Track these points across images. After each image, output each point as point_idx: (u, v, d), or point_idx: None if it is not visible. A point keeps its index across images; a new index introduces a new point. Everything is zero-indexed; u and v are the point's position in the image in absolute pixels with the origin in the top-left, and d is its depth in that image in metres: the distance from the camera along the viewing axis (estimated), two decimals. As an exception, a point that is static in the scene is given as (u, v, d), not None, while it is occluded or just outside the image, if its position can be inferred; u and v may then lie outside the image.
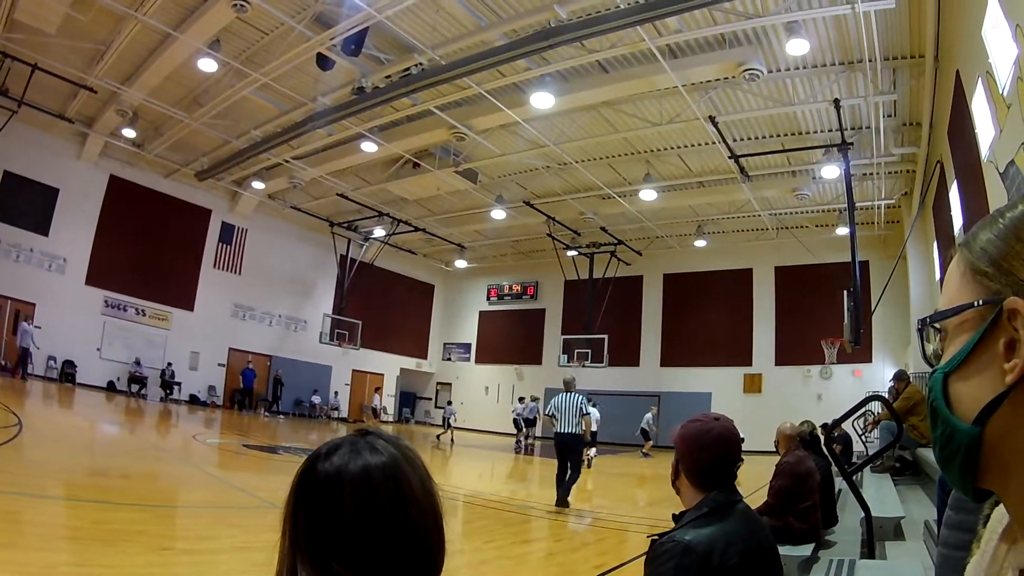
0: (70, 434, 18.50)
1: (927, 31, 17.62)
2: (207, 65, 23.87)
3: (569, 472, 15.57)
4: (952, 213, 17.56)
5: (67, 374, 32.44)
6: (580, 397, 16.09)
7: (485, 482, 14.21)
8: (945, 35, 16.94)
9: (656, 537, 3.06)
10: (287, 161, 32.02)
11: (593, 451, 27.07)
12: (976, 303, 1.07)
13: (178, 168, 35.08)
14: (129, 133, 30.88)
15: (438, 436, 34.85)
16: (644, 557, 3.09)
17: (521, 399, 37.65)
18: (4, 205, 30.58)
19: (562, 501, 15.17)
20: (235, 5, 19.36)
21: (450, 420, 36.20)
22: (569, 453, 15.85)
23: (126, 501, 10.39)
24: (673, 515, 3.34)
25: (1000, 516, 1.13)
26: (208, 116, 28.00)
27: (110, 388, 34.19)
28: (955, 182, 16.97)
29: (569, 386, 16.29)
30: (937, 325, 1.16)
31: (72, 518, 9.01)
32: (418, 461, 1.64)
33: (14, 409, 18.95)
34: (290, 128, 27.37)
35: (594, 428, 27.27)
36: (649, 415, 34.33)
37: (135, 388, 34.49)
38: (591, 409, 27.69)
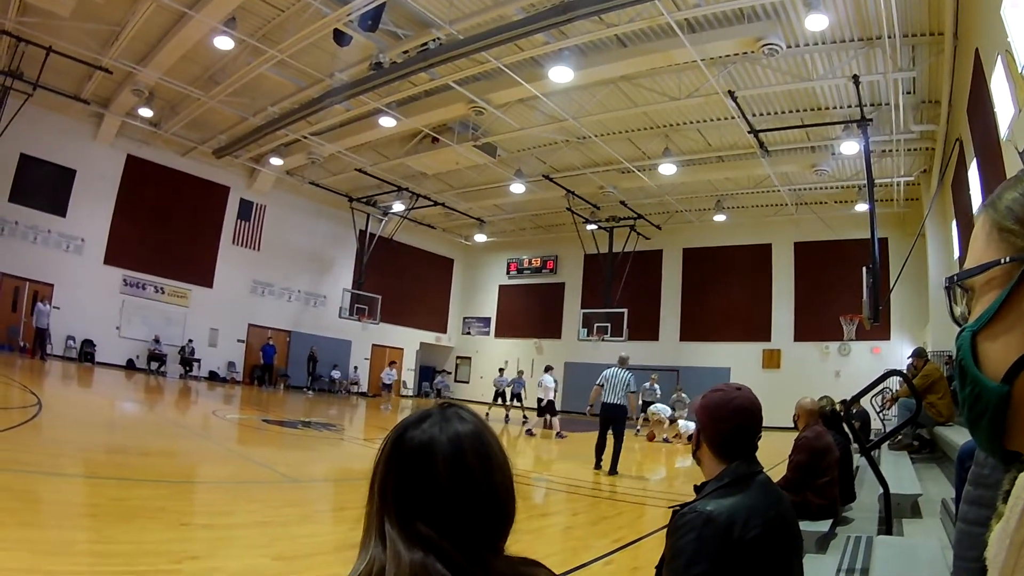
0: (89, 413, 18.53)
1: (946, 8, 17.54)
2: (223, 43, 23.86)
3: (613, 442, 16.92)
4: (971, 192, 17.48)
5: (86, 353, 32.63)
6: (629, 374, 17.54)
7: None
8: (964, 12, 16.83)
9: (678, 508, 3.06)
10: (305, 137, 32.04)
11: (556, 421, 27.57)
12: (1003, 260, 1.06)
13: (195, 146, 35.16)
14: (146, 112, 30.97)
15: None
16: (663, 530, 3.09)
17: (501, 370, 36.94)
18: (21, 187, 30.74)
19: (612, 470, 16.46)
20: (251, -18, 19.35)
21: (441, 390, 36.04)
22: (614, 423, 17.32)
23: (145, 478, 10.41)
24: (695, 486, 3.33)
25: None
26: (225, 94, 28.01)
27: (129, 366, 34.35)
28: (974, 160, 16.87)
29: (622, 363, 17.85)
30: (964, 284, 1.15)
31: (91, 495, 9.03)
32: (493, 432, 1.75)
33: (33, 389, 19.09)
34: (307, 104, 27.41)
35: (551, 397, 27.92)
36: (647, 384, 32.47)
37: (154, 366, 34.71)
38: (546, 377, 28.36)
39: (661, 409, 30.05)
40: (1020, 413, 1.02)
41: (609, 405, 17.30)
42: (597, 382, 17.55)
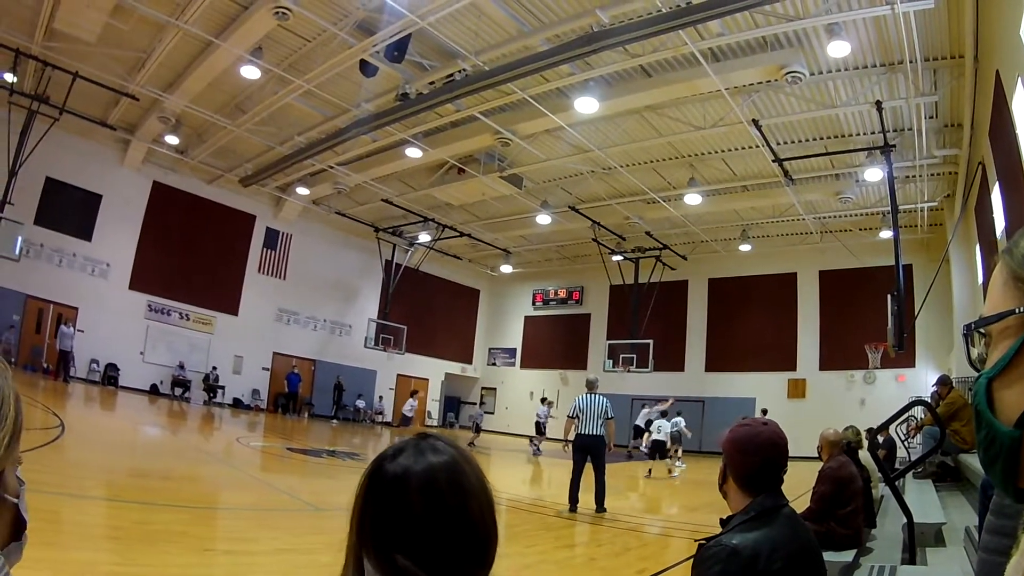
0: (112, 436, 18.67)
1: (966, 31, 17.52)
2: (250, 72, 24.02)
3: (596, 476, 15.31)
4: (994, 215, 17.41)
5: (110, 377, 32.72)
6: (605, 400, 15.83)
7: (528, 486, 14.17)
8: (984, 35, 16.83)
9: (703, 541, 3.07)
10: (331, 167, 32.22)
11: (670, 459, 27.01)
12: (1018, 310, 1.08)
13: (221, 174, 35.35)
14: (172, 140, 31.26)
15: (470, 442, 34.20)
16: (686, 562, 3.11)
17: (543, 400, 37.32)
18: (47, 211, 30.87)
19: (599, 507, 14.99)
20: (277, 12, 19.46)
21: (479, 423, 36.06)
22: (593, 455, 15.54)
23: (168, 502, 10.45)
24: (720, 519, 3.35)
25: None
26: (251, 123, 28.13)
27: (153, 391, 34.43)
28: (997, 184, 16.83)
29: (592, 387, 16.17)
30: (982, 330, 1.17)
31: (113, 518, 9.07)
32: (474, 461, 1.74)
33: (56, 411, 19.07)
34: (334, 134, 27.50)
35: (662, 438, 27.28)
36: (646, 410, 32.96)
37: (178, 391, 34.74)
38: (663, 422, 27.85)
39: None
40: None
41: (587, 436, 15.55)
42: (569, 414, 16.19)
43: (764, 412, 32.21)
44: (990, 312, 1.14)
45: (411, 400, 32.26)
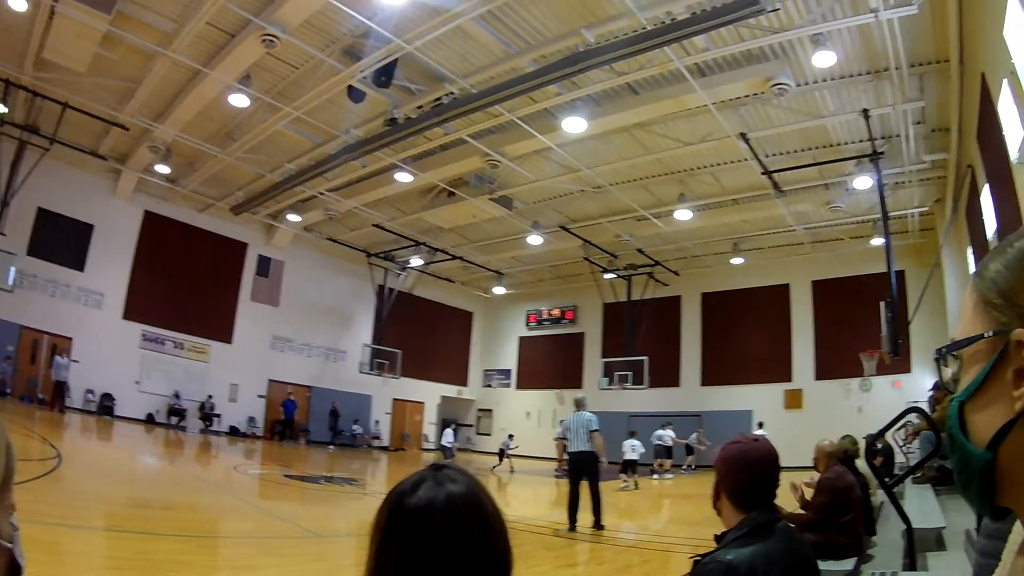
0: (109, 465, 18.61)
1: (950, 35, 17.57)
2: (239, 100, 24.06)
3: (591, 492, 15.17)
4: (984, 217, 17.49)
5: (105, 407, 32.61)
6: (589, 415, 15.69)
7: (529, 507, 14.07)
8: (968, 38, 16.89)
9: (699, 558, 3.10)
10: (322, 193, 32.24)
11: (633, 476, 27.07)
12: (986, 334, 1.11)
13: (213, 203, 35.38)
14: (163, 169, 31.26)
15: (492, 467, 34.29)
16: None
17: (562, 421, 37.30)
18: (39, 242, 30.91)
19: (596, 524, 14.90)
20: (265, 40, 19.51)
21: (506, 451, 36.22)
22: (585, 472, 15.44)
23: (168, 532, 10.44)
24: (715, 536, 3.36)
25: (1018, 532, 1.17)
26: (241, 151, 28.20)
27: (149, 420, 34.29)
28: (986, 186, 16.89)
29: (580, 406, 16.14)
30: (954, 353, 1.20)
31: (114, 548, 9.10)
32: (487, 489, 1.73)
33: (52, 441, 19.07)
34: (324, 160, 27.49)
35: (634, 456, 27.61)
36: (661, 431, 34.63)
37: (174, 420, 34.68)
38: (635, 441, 28.18)
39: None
40: (1006, 476, 1.08)
41: (576, 454, 15.57)
42: (557, 435, 16.78)
43: (760, 425, 32.36)
44: (961, 336, 1.17)
45: (448, 431, 32.40)
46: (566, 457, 16.36)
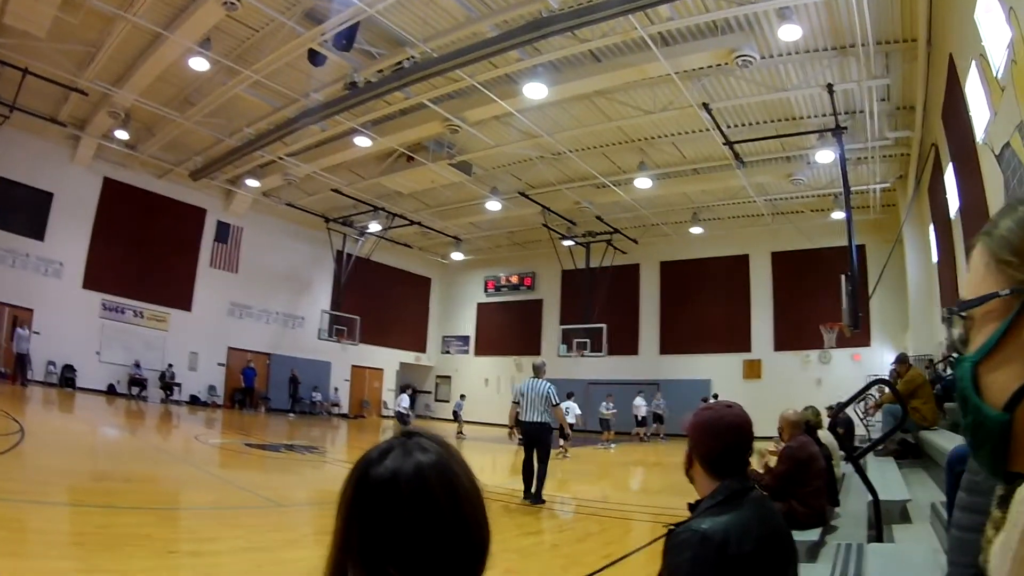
0: (72, 439, 18.42)
1: (919, 15, 17.68)
2: (198, 64, 23.80)
3: (536, 465, 14.34)
4: (948, 196, 17.62)
5: (67, 378, 32.43)
6: (547, 385, 14.74)
7: (488, 474, 13.84)
8: (937, 18, 16.97)
9: (672, 527, 3.06)
10: (281, 158, 32.05)
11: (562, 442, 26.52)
12: (1001, 292, 1.07)
13: (172, 168, 35.11)
14: (122, 135, 30.91)
15: (458, 434, 34.31)
16: (650, 545, 3.10)
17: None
18: (-3, 211, 30.53)
19: (535, 498, 14.05)
20: (225, 3, 19.34)
21: (459, 413, 36.32)
22: (536, 443, 14.53)
23: (130, 505, 10.37)
24: (688, 504, 3.35)
25: None
26: (201, 115, 28.00)
27: (110, 391, 34.18)
28: (950, 165, 17.03)
29: (538, 372, 15.09)
30: (963, 314, 1.16)
31: (76, 523, 9.00)
32: (461, 457, 1.66)
33: (15, 416, 18.92)
34: (283, 125, 27.43)
35: (571, 420, 26.09)
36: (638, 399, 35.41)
37: (135, 390, 34.51)
38: (569, 403, 27.32)
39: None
40: (1021, 439, 1.03)
41: (527, 424, 14.59)
42: (513, 399, 15.17)
43: (715, 397, 32.39)
44: (972, 295, 1.13)
45: (403, 395, 31.71)
46: (512, 429, 16.07)
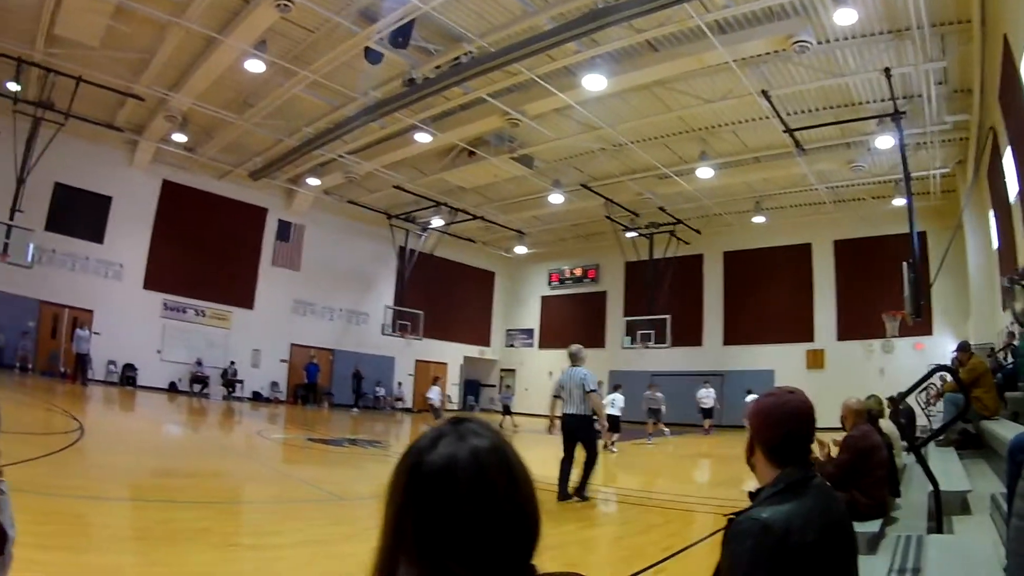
0: (132, 436, 18.69)
1: (972, -6, 17.45)
2: (254, 66, 24.03)
3: (585, 459, 13.29)
4: (1007, 179, 17.36)
5: (128, 377, 32.97)
6: (584, 372, 13.74)
7: (549, 467, 13.76)
8: (990, -1, 16.75)
9: (733, 516, 3.01)
10: (341, 156, 32.22)
11: (615, 436, 25.63)
12: None
13: (231, 169, 35.41)
14: (180, 138, 31.33)
15: (499, 424, 34.16)
16: (713, 537, 3.06)
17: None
18: (58, 216, 31.15)
19: (579, 494, 13.07)
20: (279, 5, 19.44)
21: (509, 405, 36.23)
22: (580, 437, 13.55)
23: (191, 499, 10.50)
24: (749, 492, 3.32)
25: None
26: (259, 116, 28.28)
27: (172, 389, 34.71)
28: (1008, 148, 16.78)
29: (575, 359, 14.04)
30: None
31: (135, 518, 9.11)
32: (512, 444, 1.60)
33: (75, 414, 19.19)
34: (342, 123, 27.56)
35: (615, 412, 26.19)
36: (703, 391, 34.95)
37: (197, 388, 34.98)
38: (615, 395, 26.83)
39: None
40: None
41: (568, 416, 13.56)
42: (552, 393, 14.17)
43: (748, 392, 32.19)
44: None
45: (434, 387, 31.39)
46: (552, 424, 14.44)
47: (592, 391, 13.60)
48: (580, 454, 13.18)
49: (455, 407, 47.98)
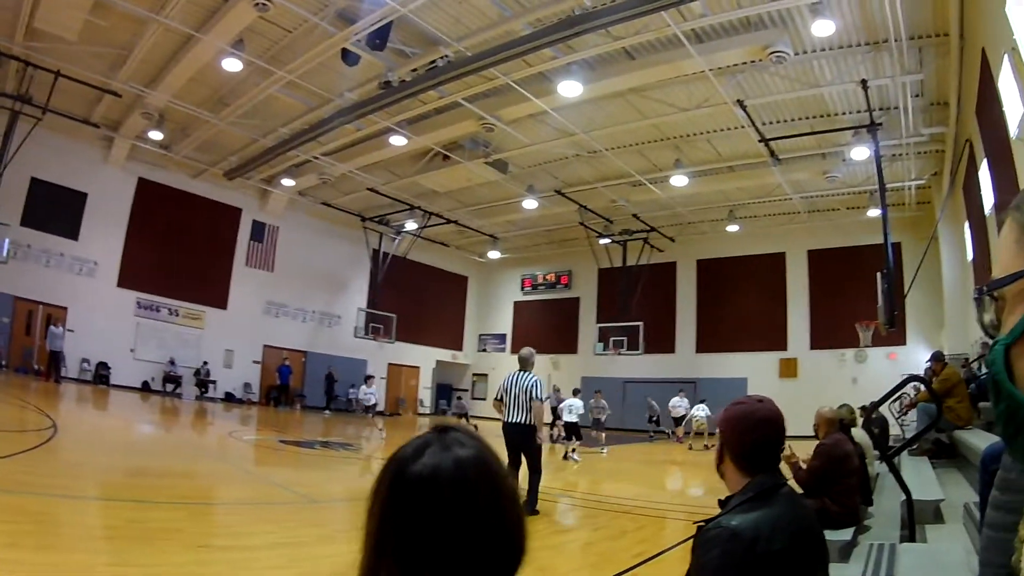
0: (104, 435, 18.58)
1: (951, 9, 17.60)
2: (231, 65, 23.94)
3: (528, 473, 12.28)
4: (983, 192, 17.49)
5: (101, 376, 32.78)
6: (533, 378, 12.77)
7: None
8: (969, 12, 16.89)
9: (702, 523, 3.03)
10: (316, 157, 32.17)
11: (575, 444, 24.73)
12: None
13: (206, 168, 35.33)
14: (156, 135, 31.07)
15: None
16: (683, 544, 3.07)
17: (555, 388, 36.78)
18: (33, 211, 30.94)
19: (530, 508, 11.96)
20: (257, 4, 19.45)
21: (463, 414, 36.23)
22: (521, 448, 12.42)
23: (163, 500, 10.46)
24: (719, 500, 3.30)
25: None
26: (235, 115, 28.19)
27: (144, 388, 34.55)
28: (985, 161, 16.90)
29: (524, 363, 13.24)
30: (994, 294, 1.11)
31: (108, 518, 9.03)
32: (496, 453, 1.59)
33: (47, 412, 19.07)
34: (318, 124, 27.48)
35: (573, 419, 25.28)
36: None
37: (170, 387, 34.90)
38: (573, 401, 25.96)
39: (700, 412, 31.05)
40: None
41: (510, 425, 12.49)
42: (495, 396, 13.20)
43: (702, 402, 32.25)
44: (1002, 274, 1.08)
45: (364, 386, 30.71)
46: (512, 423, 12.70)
47: (536, 399, 12.55)
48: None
49: (427, 411, 48.04)
